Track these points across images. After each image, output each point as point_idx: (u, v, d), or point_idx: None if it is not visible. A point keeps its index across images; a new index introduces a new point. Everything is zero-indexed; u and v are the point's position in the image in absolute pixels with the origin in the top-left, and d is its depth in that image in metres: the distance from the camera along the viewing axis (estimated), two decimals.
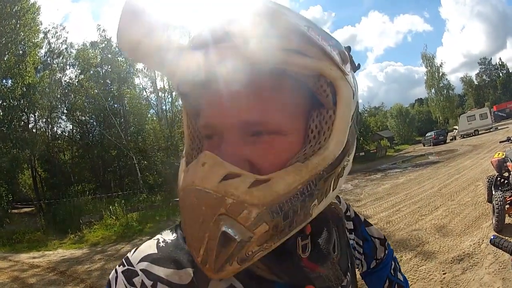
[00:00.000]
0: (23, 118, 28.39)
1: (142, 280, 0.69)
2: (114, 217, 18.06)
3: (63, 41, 33.48)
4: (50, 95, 29.89)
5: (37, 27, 26.86)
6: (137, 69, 31.69)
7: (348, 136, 0.70)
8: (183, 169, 0.71)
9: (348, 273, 0.91)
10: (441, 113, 68.32)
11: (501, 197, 6.69)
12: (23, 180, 34.38)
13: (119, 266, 0.73)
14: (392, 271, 1.28)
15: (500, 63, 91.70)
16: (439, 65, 68.74)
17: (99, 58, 32.39)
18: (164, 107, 33.09)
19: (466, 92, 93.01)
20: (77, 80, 32.74)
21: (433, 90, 69.10)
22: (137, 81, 34.05)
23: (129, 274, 0.70)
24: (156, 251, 0.74)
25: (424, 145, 50.12)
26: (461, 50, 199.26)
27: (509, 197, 6.72)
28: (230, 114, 0.65)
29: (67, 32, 47.71)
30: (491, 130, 43.33)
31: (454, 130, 50.82)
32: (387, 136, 64.57)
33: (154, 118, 34.34)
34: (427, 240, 7.41)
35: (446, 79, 68.92)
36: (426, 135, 51.64)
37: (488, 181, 8.54)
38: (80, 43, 36.24)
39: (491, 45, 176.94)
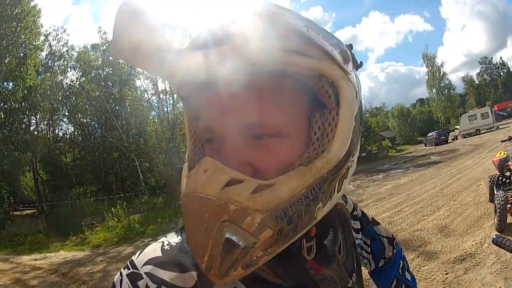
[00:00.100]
0: (24, 120, 28.46)
1: (146, 283, 0.68)
2: (116, 219, 18.13)
3: (64, 43, 33.71)
4: (52, 97, 29.95)
5: (38, 30, 26.90)
6: (138, 71, 31.65)
7: (351, 137, 0.69)
8: (186, 174, 0.70)
9: (354, 274, 0.90)
10: (443, 113, 68.26)
11: (503, 196, 6.68)
12: (24, 182, 34.40)
13: (124, 269, 0.74)
14: (400, 271, 1.27)
15: (500, 62, 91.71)
16: (440, 65, 68.71)
17: (100, 60, 32.50)
18: (165, 109, 33.08)
19: (467, 92, 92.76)
20: (78, 82, 32.97)
21: (434, 90, 69.06)
22: (138, 83, 34.08)
23: (134, 277, 0.70)
24: (160, 254, 0.74)
25: (425, 145, 50.03)
26: (461, 50, 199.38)
27: (511, 196, 6.70)
28: (230, 117, 0.64)
29: (68, 35, 47.75)
30: (492, 129, 43.24)
31: (456, 130, 50.70)
32: (388, 137, 64.51)
33: (156, 120, 34.26)
34: (429, 240, 7.39)
35: (447, 78, 69.01)
36: (428, 135, 51.59)
37: (490, 181, 8.54)
38: (81, 45, 36.45)
39: (492, 44, 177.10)
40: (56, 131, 34.69)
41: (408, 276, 1.29)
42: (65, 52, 33.80)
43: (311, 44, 0.60)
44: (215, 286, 0.69)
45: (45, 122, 32.85)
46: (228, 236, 0.57)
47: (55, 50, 33.18)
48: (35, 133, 30.78)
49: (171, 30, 0.65)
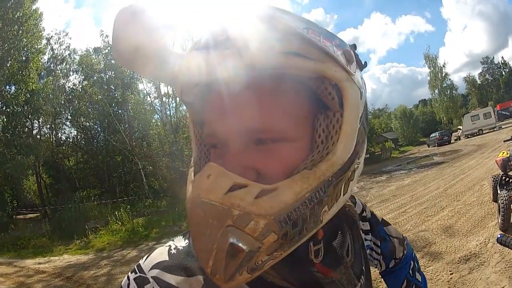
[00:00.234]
0: (27, 124, 28.60)
1: (153, 287, 0.69)
2: (119, 223, 18.17)
3: (66, 47, 33.84)
4: (54, 101, 30.10)
5: (40, 33, 27.06)
6: (140, 74, 31.71)
7: (357, 138, 0.68)
8: (191, 179, 0.70)
9: (362, 277, 0.89)
10: (445, 113, 68.31)
11: (506, 196, 6.68)
12: (27, 186, 34.52)
13: (131, 273, 0.74)
14: (410, 271, 1.27)
15: (502, 61, 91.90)
16: (442, 65, 68.83)
17: (103, 64, 32.65)
18: (168, 113, 33.09)
19: (469, 92, 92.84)
20: (80, 86, 33.06)
21: (436, 91, 69.14)
22: (141, 86, 34.21)
23: (141, 281, 0.71)
24: (167, 259, 0.74)
25: (428, 146, 49.98)
26: (463, 50, 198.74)
27: None
28: (232, 122, 0.64)
29: (70, 38, 48.05)
30: (495, 129, 43.16)
31: (458, 130, 50.73)
32: (391, 138, 64.60)
33: (159, 124, 34.30)
34: (434, 241, 7.38)
35: (449, 79, 69.13)
36: (431, 136, 51.52)
37: (493, 181, 8.51)
38: (83, 49, 36.54)
39: (493, 44, 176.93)
40: (59, 134, 34.93)
41: (418, 276, 1.29)
42: (67, 56, 34.04)
43: (311, 46, 0.60)
44: None
45: (48, 126, 33.03)
46: (232, 241, 0.57)
47: (57, 53, 33.37)
48: (38, 136, 30.92)
49: (172, 33, 0.65)
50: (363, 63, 0.74)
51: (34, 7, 26.05)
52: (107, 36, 31.99)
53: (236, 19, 0.61)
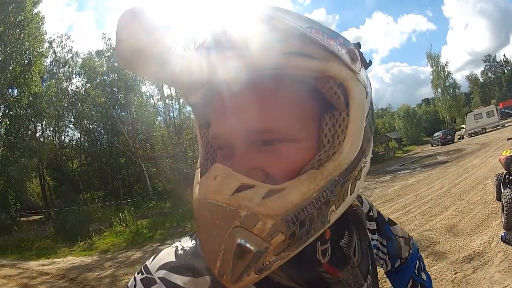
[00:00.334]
0: (30, 127, 28.67)
1: None
2: (123, 224, 18.20)
3: (68, 50, 34.00)
4: (57, 104, 30.20)
5: (42, 37, 27.06)
6: (143, 76, 31.71)
7: (363, 137, 0.68)
8: (198, 181, 0.70)
9: (369, 276, 0.89)
10: (448, 112, 68.18)
11: (510, 194, 6.66)
12: (31, 189, 34.49)
13: (137, 273, 0.74)
14: (416, 271, 1.27)
15: (504, 59, 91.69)
16: (444, 64, 68.82)
17: (105, 67, 32.65)
18: (171, 114, 33.07)
19: (472, 90, 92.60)
20: (83, 88, 33.20)
21: (439, 90, 69.02)
22: (143, 88, 34.16)
23: (147, 282, 0.71)
24: (174, 259, 0.74)
25: (432, 145, 50.06)
26: (465, 48, 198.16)
27: None
28: (237, 124, 0.64)
29: (72, 41, 47.93)
30: (498, 127, 43.08)
31: (462, 129, 50.63)
32: (395, 138, 64.64)
33: (162, 125, 34.38)
34: (438, 240, 7.38)
35: (452, 78, 68.98)
36: (434, 135, 51.61)
37: (496, 179, 8.53)
38: (86, 51, 36.61)
39: (495, 42, 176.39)
40: (62, 137, 35.08)
41: (424, 276, 1.29)
42: (70, 59, 34.19)
43: (315, 45, 0.60)
44: None
45: (51, 129, 33.16)
46: (240, 242, 0.57)
47: (59, 56, 33.53)
48: (41, 139, 31.01)
49: (173, 34, 0.65)
50: (367, 61, 0.74)
51: (35, 10, 26.06)
52: (109, 38, 31.95)
53: (238, 20, 0.62)
